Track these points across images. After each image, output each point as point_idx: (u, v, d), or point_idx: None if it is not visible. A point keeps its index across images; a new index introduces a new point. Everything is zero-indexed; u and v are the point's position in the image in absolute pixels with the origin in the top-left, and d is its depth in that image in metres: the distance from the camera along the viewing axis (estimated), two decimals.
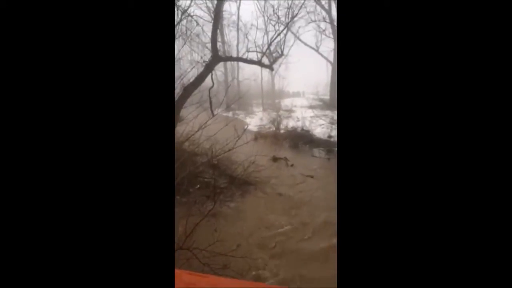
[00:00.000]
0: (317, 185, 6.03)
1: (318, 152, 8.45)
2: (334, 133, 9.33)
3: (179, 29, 7.57)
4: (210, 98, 6.63)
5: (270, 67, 7.42)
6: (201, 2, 10.32)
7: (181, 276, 0.73)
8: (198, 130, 4.72)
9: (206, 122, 4.80)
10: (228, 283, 0.79)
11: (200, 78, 6.79)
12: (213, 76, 7.09)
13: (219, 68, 16.00)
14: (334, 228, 4.30)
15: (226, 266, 2.75)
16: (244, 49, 7.74)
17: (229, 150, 5.15)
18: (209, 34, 7.64)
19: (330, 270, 3.31)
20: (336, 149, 8.31)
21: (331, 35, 15.88)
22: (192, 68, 7.17)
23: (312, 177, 6.42)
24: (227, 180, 5.85)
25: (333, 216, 4.62)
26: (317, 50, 17.50)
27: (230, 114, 15.86)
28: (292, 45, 15.38)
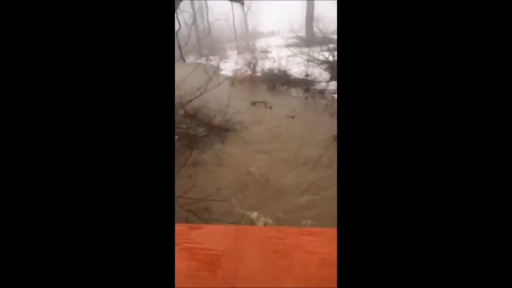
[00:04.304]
0: (297, 124, 6.05)
1: (296, 92, 8.33)
2: (311, 71, 9.13)
3: None
4: (178, 41, 6.12)
5: (240, 1, 6.79)
6: None
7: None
8: None
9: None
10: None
11: None
12: (179, 18, 6.45)
13: (186, 9, 14.58)
14: (314, 162, 4.43)
15: (207, 209, 2.81)
16: None
17: (201, 94, 4.93)
18: None
19: (304, 200, 3.48)
20: (313, 87, 8.22)
21: None
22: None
23: (292, 117, 6.41)
24: (205, 128, 5.75)
25: (314, 151, 4.73)
26: None
27: (203, 60, 15.06)
28: None
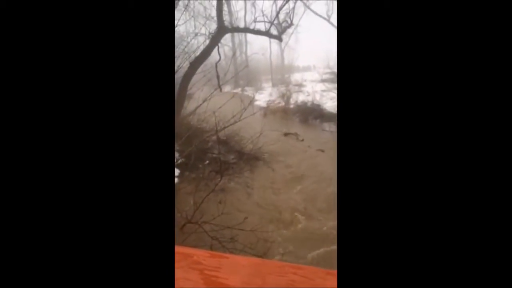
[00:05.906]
0: (327, 158, 5.92)
1: (328, 126, 8.26)
2: None
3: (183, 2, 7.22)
4: (217, 71, 6.44)
5: (278, 37, 7.09)
6: None
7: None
8: (202, 103, 4.60)
9: (211, 94, 4.67)
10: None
11: (206, 52, 6.56)
12: (220, 51, 6.84)
13: (227, 43, 15.49)
14: None
15: (233, 239, 2.74)
16: (251, 20, 7.37)
17: (235, 122, 5.05)
18: (215, 3, 7.27)
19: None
20: None
21: None
22: (193, 38, 6.89)
23: (322, 151, 6.30)
24: (236, 156, 5.81)
25: None
26: (328, 20, 16.73)
27: (238, 90, 15.60)
28: (302, 15, 14.70)
